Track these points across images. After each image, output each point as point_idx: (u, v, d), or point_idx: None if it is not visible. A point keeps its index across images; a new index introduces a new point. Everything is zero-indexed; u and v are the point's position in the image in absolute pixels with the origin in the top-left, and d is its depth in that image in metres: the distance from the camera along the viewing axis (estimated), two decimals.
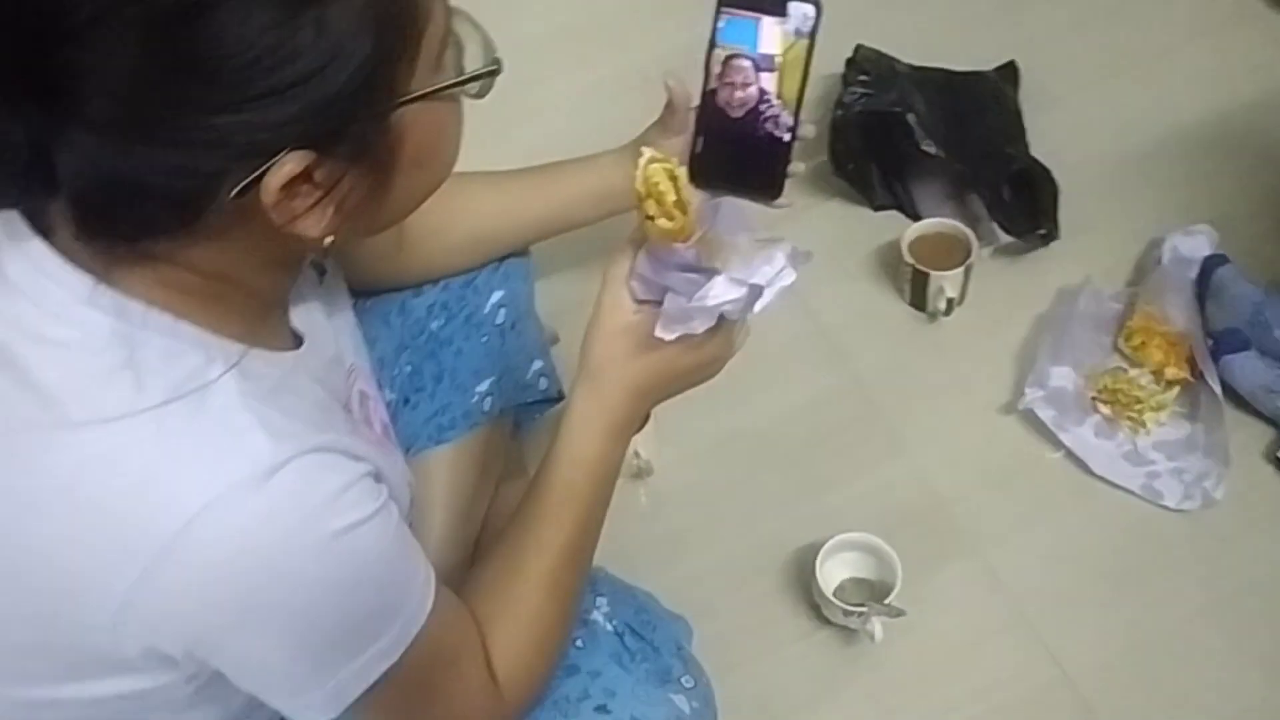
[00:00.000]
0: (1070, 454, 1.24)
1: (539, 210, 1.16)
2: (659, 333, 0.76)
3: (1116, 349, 1.31)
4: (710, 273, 0.75)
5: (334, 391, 0.79)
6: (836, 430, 1.31)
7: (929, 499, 1.25)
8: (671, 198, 0.76)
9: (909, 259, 1.33)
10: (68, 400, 0.63)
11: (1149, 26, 1.60)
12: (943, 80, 1.48)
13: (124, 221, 0.63)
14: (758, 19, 1.07)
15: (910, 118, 1.37)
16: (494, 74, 0.72)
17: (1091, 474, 1.23)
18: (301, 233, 0.65)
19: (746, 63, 1.09)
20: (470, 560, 1.12)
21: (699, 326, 0.76)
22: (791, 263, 0.76)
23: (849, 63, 1.44)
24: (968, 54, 1.53)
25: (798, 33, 1.06)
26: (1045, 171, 1.39)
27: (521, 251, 1.20)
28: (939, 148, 1.37)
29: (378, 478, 0.73)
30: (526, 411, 1.24)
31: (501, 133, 1.19)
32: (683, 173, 0.76)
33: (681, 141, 1.10)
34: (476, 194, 1.15)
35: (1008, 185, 1.36)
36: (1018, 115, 1.48)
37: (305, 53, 0.60)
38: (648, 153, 0.77)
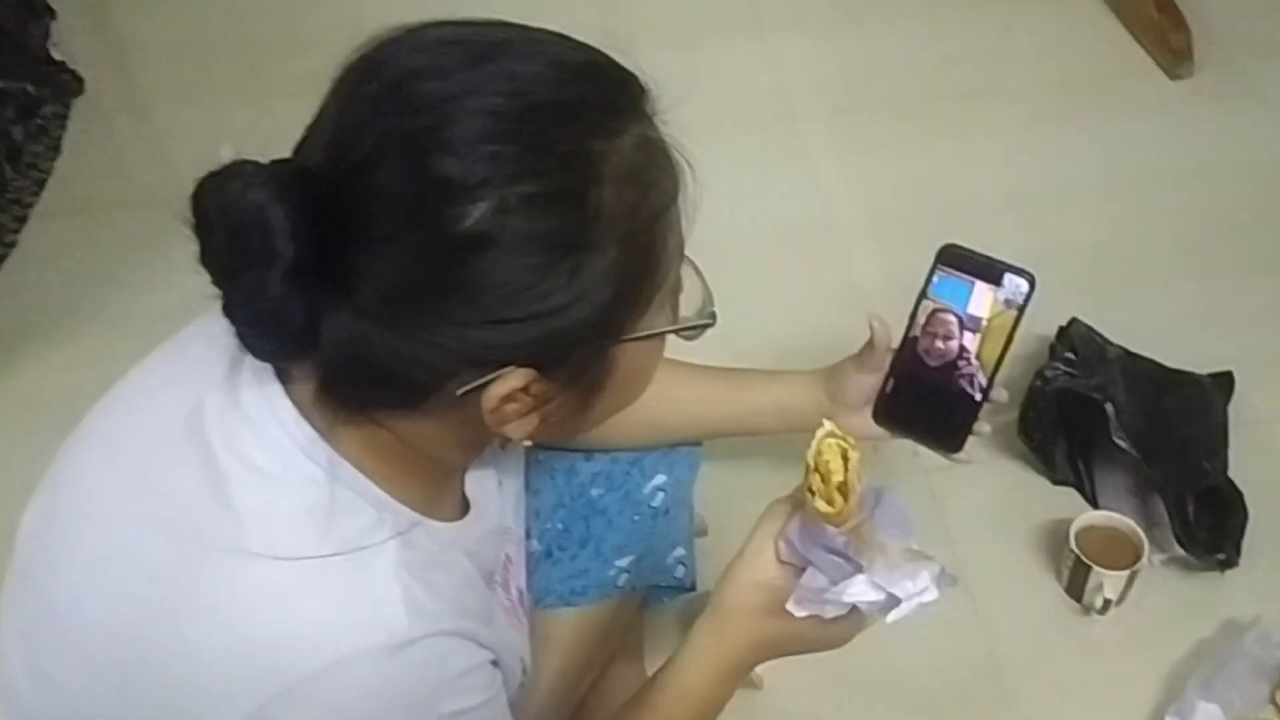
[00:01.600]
0: None
1: (722, 412, 1.21)
2: (790, 607, 0.79)
3: (1274, 701, 1.24)
4: (855, 566, 0.78)
5: (484, 563, 0.85)
6: (959, 701, 1.28)
7: None
8: (838, 479, 0.79)
9: (1074, 547, 1.30)
10: (252, 528, 0.70)
11: None
12: (1153, 373, 1.46)
13: (361, 392, 0.71)
14: (973, 283, 1.10)
15: (1109, 408, 1.36)
16: (708, 326, 0.78)
17: None
18: (507, 434, 0.72)
19: (953, 319, 1.12)
20: None
21: (830, 612, 0.79)
22: (936, 583, 0.78)
23: (1060, 333, 1.45)
24: (1184, 354, 1.50)
25: (1008, 303, 1.09)
26: (1238, 494, 1.35)
27: (695, 442, 1.25)
28: (1131, 444, 1.35)
29: (496, 663, 0.77)
30: (656, 594, 1.27)
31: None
32: (856, 457, 0.80)
33: (873, 380, 1.13)
34: (667, 382, 1.20)
35: (1194, 500, 1.32)
36: (1224, 429, 1.44)
37: (556, 292, 0.67)
38: (827, 425, 0.81)
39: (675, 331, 0.76)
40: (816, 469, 0.79)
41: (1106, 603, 1.29)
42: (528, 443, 0.74)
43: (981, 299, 1.08)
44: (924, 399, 1.12)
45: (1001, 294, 1.07)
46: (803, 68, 2.01)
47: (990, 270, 1.07)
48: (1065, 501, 1.41)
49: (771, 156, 1.88)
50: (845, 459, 0.79)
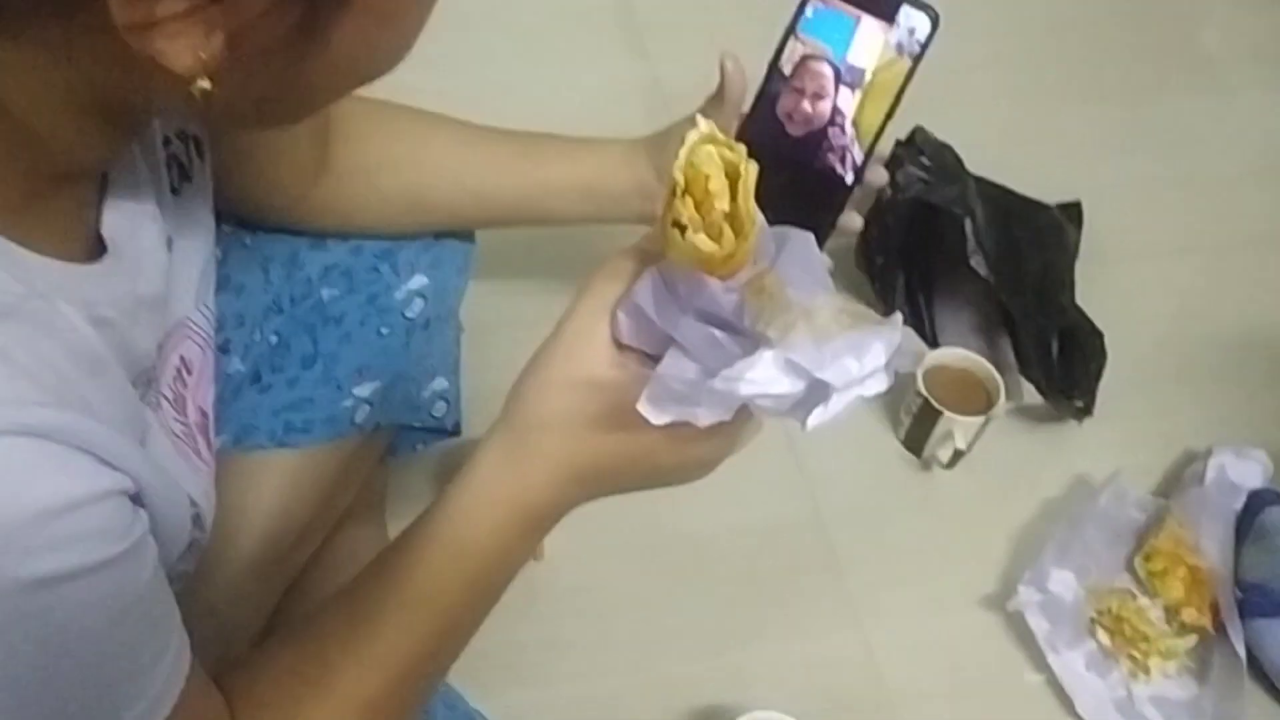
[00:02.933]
0: (1052, 681, 1.00)
1: (511, 186, 0.89)
2: (643, 408, 0.49)
3: (1131, 568, 1.08)
4: (754, 339, 0.49)
5: (126, 348, 0.50)
6: (782, 573, 1.05)
7: (872, 689, 0.99)
8: (724, 204, 0.49)
9: (921, 389, 1.08)
10: None
11: (1243, 214, 1.40)
12: (1001, 198, 1.25)
13: None
14: (858, 18, 0.81)
15: (969, 224, 1.13)
16: None
17: (1073, 713, 0.99)
18: (158, 54, 0.37)
19: (827, 70, 0.83)
20: (270, 617, 0.83)
21: (706, 416, 0.49)
22: (889, 363, 0.49)
23: (903, 143, 1.21)
24: (1030, 182, 1.31)
25: (901, 48, 0.81)
26: (1098, 334, 1.17)
27: (466, 234, 0.93)
28: (989, 270, 1.14)
29: (135, 500, 0.44)
30: (405, 438, 0.95)
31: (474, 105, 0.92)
32: (752, 169, 0.50)
33: None
34: (437, 140, 0.87)
35: (1057, 337, 1.13)
36: (1072, 263, 1.26)
37: None
38: (703, 126, 0.51)
39: None
40: (688, 190, 0.49)
41: (957, 454, 1.08)
42: (204, 86, 0.38)
43: (867, 43, 0.81)
44: (779, 178, 0.85)
45: (895, 35, 0.80)
46: None
47: (882, 2, 0.80)
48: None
49: None
50: (734, 175, 0.50)
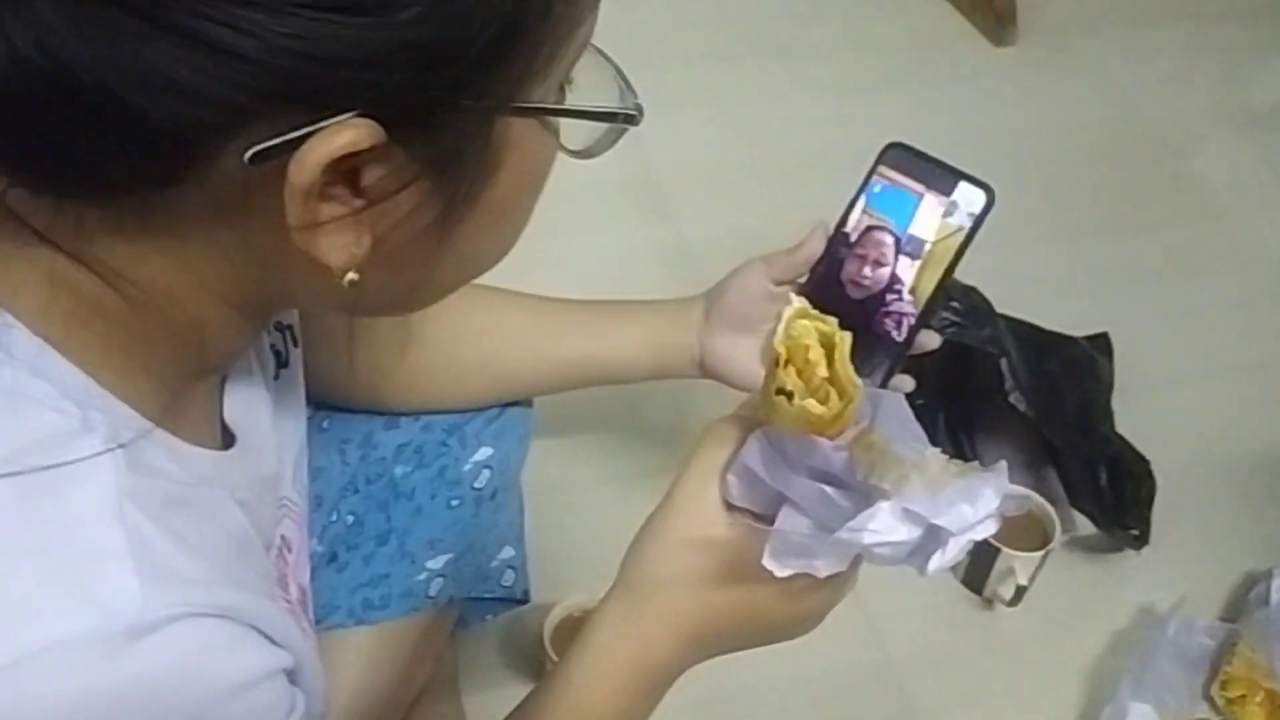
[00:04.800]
0: None
1: (579, 350, 0.91)
2: (768, 562, 0.50)
3: (1208, 697, 1.07)
4: (867, 493, 0.50)
5: (260, 528, 0.52)
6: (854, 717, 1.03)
7: None
8: (823, 373, 0.52)
9: None
10: None
11: (1262, 334, 1.43)
12: (1030, 334, 1.28)
13: (48, 170, 0.39)
14: (921, 195, 0.86)
15: (1004, 363, 1.16)
16: (631, 121, 0.49)
17: None
18: (317, 252, 0.41)
19: (889, 239, 0.87)
20: None
21: (825, 568, 0.50)
22: (1000, 506, 0.51)
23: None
24: (1052, 318, 1.34)
25: (957, 219, 0.86)
26: (1143, 461, 1.18)
27: (525, 401, 0.95)
28: (1029, 404, 1.16)
29: (293, 678, 0.45)
30: (475, 609, 0.96)
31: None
32: (845, 340, 0.53)
33: (771, 295, 0.88)
34: (511, 309, 0.90)
35: (1104, 466, 1.14)
36: (1110, 391, 1.29)
37: None
38: (796, 302, 0.54)
39: (588, 116, 0.47)
40: (790, 360, 0.52)
41: (1019, 590, 1.08)
42: (351, 278, 0.41)
43: (928, 216, 0.85)
44: None
45: (953, 208, 0.84)
46: (608, 19, 1.77)
47: (943, 179, 0.84)
48: None
49: None
50: (830, 345, 0.52)
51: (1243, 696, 1.04)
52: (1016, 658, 1.09)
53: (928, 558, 0.49)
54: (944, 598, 1.13)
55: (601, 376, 0.92)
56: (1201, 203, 1.63)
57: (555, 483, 1.06)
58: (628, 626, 0.55)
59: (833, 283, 0.86)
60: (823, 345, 0.52)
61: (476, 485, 0.89)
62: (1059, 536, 1.10)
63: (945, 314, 1.18)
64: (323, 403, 0.85)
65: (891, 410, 0.54)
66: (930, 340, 0.87)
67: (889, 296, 0.86)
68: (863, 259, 0.85)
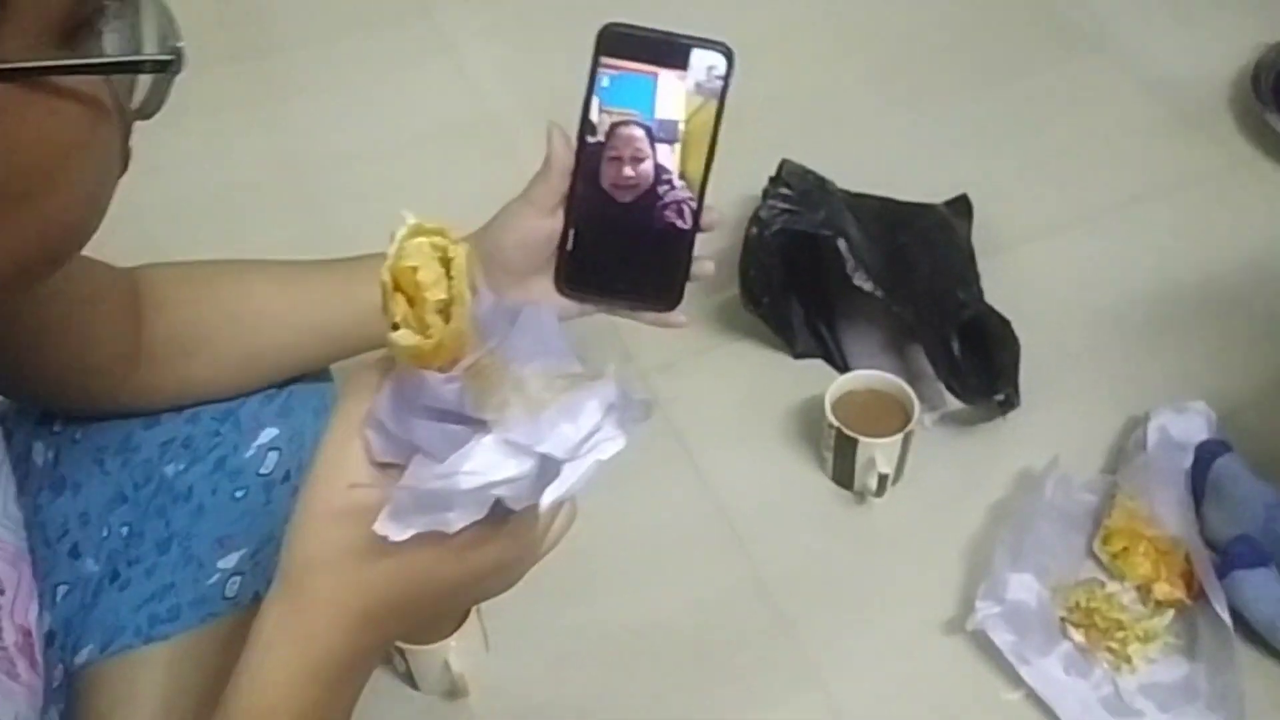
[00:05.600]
0: (1032, 694, 0.93)
1: (341, 316, 0.85)
2: (379, 529, 0.45)
3: (1092, 554, 1.02)
4: (475, 426, 0.45)
5: None
6: (732, 647, 0.99)
7: None
8: (437, 295, 0.46)
9: (833, 420, 1.04)
10: None
11: (1125, 171, 1.37)
12: (881, 208, 1.22)
13: None
14: (654, 74, 0.79)
15: (841, 244, 1.10)
16: (163, 69, 0.43)
17: None
18: None
19: (639, 131, 0.81)
20: None
21: (455, 521, 0.45)
22: (616, 417, 0.45)
23: (772, 180, 1.18)
24: (913, 189, 1.28)
25: (703, 89, 0.79)
26: (1004, 323, 1.13)
27: (320, 375, 0.89)
28: (875, 284, 1.10)
29: None
30: None
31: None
32: (461, 252, 0.47)
33: (548, 229, 0.82)
34: (256, 288, 0.83)
35: (958, 335, 1.09)
36: (971, 256, 1.23)
37: None
38: (409, 219, 0.47)
39: (85, 69, 0.40)
40: (399, 287, 0.46)
41: (882, 480, 1.03)
42: None
43: (671, 95, 0.78)
44: (622, 248, 0.82)
45: (693, 78, 0.78)
46: None
47: (674, 51, 0.78)
48: (814, 376, 1.14)
49: (412, 52, 1.56)
50: (445, 262, 0.46)
51: (1126, 549, 1.00)
52: (894, 548, 1.05)
53: (549, 486, 0.44)
54: (816, 500, 1.08)
55: (366, 342, 0.86)
56: (1072, 39, 1.55)
57: None
58: (287, 619, 0.49)
59: (597, 194, 0.80)
60: (439, 260, 0.46)
61: (263, 471, 0.83)
62: (918, 417, 1.04)
63: (775, 202, 1.12)
64: (72, 417, 0.80)
65: (528, 327, 0.48)
66: (712, 218, 0.81)
67: (661, 189, 0.80)
68: (619, 160, 0.79)
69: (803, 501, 1.08)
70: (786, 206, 1.11)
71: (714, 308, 1.21)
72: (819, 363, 1.19)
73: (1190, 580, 0.97)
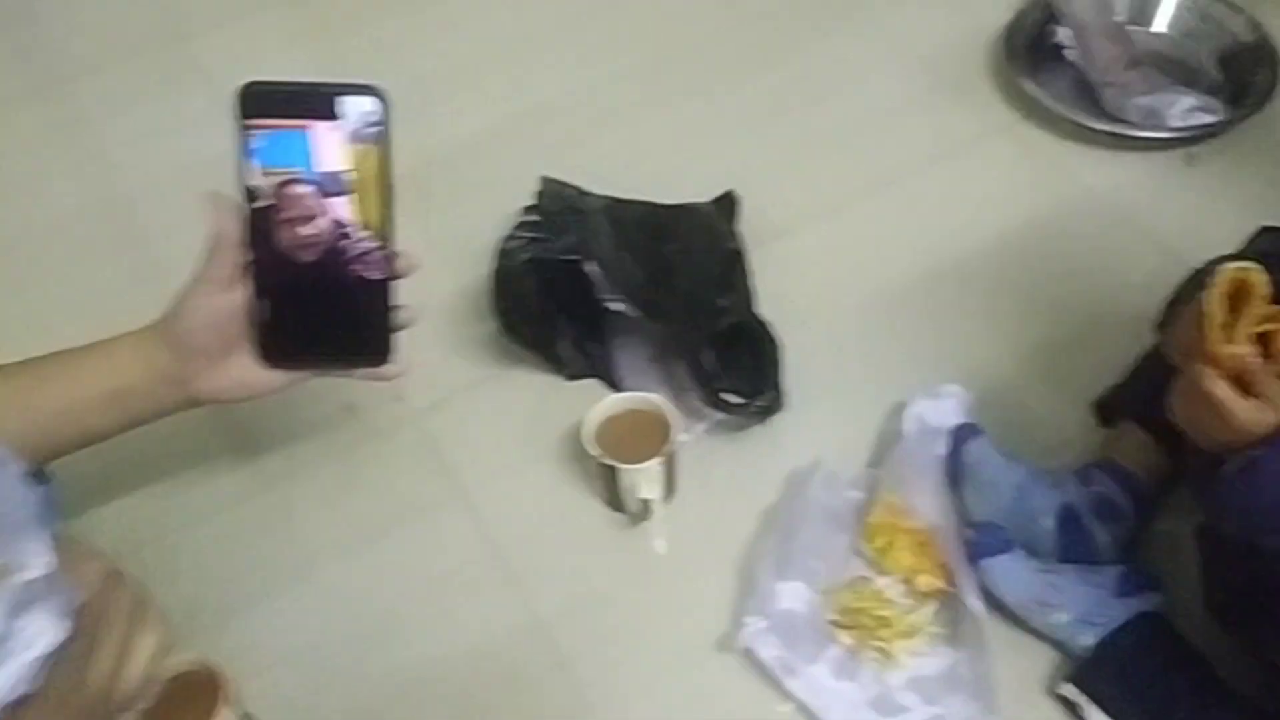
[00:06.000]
0: (802, 706, 0.94)
1: (30, 424, 0.82)
2: None
3: (859, 552, 1.03)
4: None
5: None
6: (506, 691, 0.97)
7: None
8: None
9: (593, 449, 1.03)
10: None
11: (891, 148, 1.38)
12: (646, 215, 1.20)
13: None
14: (305, 128, 0.76)
15: (590, 268, 1.08)
16: None
17: None
18: None
19: (305, 188, 0.78)
20: None
21: None
22: (45, 606, 0.43)
23: (527, 208, 1.16)
24: (682, 187, 1.27)
25: (362, 136, 0.76)
26: (761, 326, 1.12)
27: (37, 472, 0.85)
28: (631, 303, 1.09)
29: None
30: None
31: None
32: None
33: (229, 303, 0.79)
34: None
35: (709, 346, 1.08)
36: (736, 257, 1.22)
37: None
38: None
39: None
40: None
41: (645, 504, 1.02)
42: None
43: (328, 146, 0.76)
44: (316, 309, 0.79)
45: (347, 128, 0.75)
46: None
47: (318, 101, 0.75)
48: (592, 397, 1.13)
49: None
50: None
51: (888, 544, 1.01)
52: (669, 568, 1.04)
53: None
54: (592, 528, 1.07)
55: (75, 440, 0.83)
56: (830, 17, 1.54)
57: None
58: None
59: (278, 260, 0.77)
60: None
61: None
62: (676, 434, 1.04)
63: (519, 231, 1.10)
64: None
65: None
66: (407, 264, 0.79)
67: (343, 243, 0.78)
68: (291, 221, 0.76)
69: (580, 530, 1.07)
70: (532, 235, 1.09)
71: (485, 337, 1.19)
72: (595, 383, 1.17)
73: (949, 570, 0.99)
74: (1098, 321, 1.18)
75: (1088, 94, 1.38)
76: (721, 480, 1.09)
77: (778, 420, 1.11)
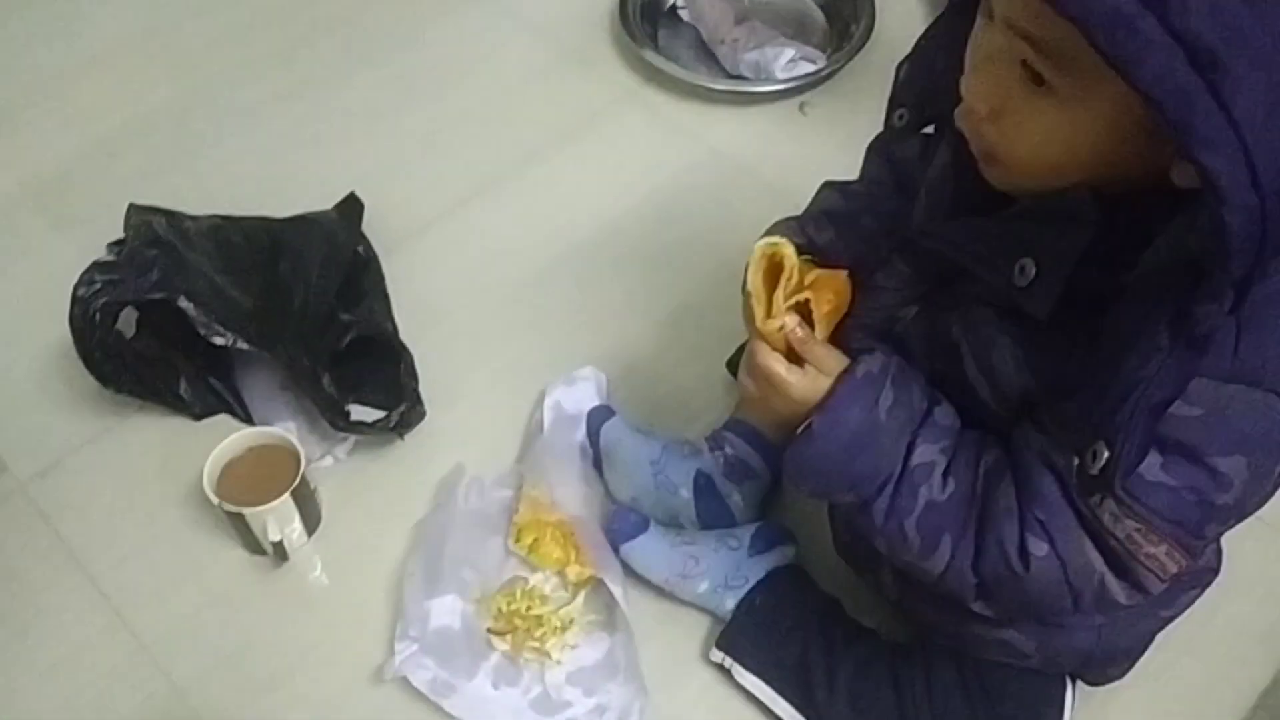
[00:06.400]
0: None
1: None
2: None
3: (512, 552, 1.01)
4: None
5: None
6: None
7: None
8: None
9: (214, 497, 0.96)
10: None
11: (522, 126, 1.35)
12: (256, 233, 1.13)
13: None
14: None
15: (184, 304, 1.00)
16: None
17: None
18: None
19: None
20: None
21: None
22: None
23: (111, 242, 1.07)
24: (304, 194, 1.20)
25: None
26: (392, 336, 1.08)
27: None
28: (238, 334, 1.02)
29: None
30: None
31: None
32: None
33: None
34: None
35: (331, 368, 1.03)
36: (364, 264, 1.17)
37: None
38: None
39: None
40: None
41: (278, 546, 0.97)
42: None
43: None
44: None
45: None
46: None
47: None
48: (226, 433, 1.06)
49: None
50: None
51: (536, 540, 0.99)
52: (319, 606, 0.99)
53: None
54: (231, 576, 1.00)
55: None
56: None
57: None
58: None
59: None
60: None
61: None
62: (305, 466, 0.98)
63: (93, 275, 1.01)
64: None
65: None
66: None
67: None
68: None
69: (218, 581, 1.01)
70: (108, 277, 1.00)
71: (95, 390, 1.09)
72: (228, 417, 1.10)
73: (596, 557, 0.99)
74: (727, 280, 1.18)
75: (708, 52, 1.40)
76: (371, 502, 1.05)
77: (423, 429, 1.08)
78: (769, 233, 0.80)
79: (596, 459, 1.03)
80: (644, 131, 1.35)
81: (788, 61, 1.33)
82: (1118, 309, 0.61)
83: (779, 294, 0.72)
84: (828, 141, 1.32)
